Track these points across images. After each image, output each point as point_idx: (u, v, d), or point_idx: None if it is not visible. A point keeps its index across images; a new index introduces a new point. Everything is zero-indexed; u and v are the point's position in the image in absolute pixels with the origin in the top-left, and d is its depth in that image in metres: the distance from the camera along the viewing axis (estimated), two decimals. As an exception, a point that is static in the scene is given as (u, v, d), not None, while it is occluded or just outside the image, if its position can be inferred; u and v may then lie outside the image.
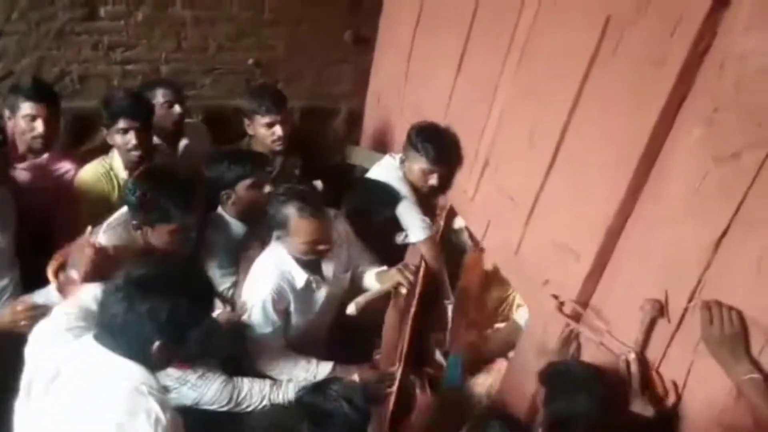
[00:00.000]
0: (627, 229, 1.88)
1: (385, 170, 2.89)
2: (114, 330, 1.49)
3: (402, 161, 2.87)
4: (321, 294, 2.42)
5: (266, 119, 2.81)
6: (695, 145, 1.64)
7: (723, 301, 1.56)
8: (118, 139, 2.50)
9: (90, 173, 2.58)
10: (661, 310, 1.75)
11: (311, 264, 2.35)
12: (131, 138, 2.47)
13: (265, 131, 2.83)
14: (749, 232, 1.52)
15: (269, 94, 2.91)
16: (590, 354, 2.01)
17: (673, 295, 1.72)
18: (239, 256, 2.53)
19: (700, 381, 1.66)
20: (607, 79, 1.89)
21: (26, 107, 2.47)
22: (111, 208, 2.36)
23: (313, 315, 2.44)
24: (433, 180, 2.78)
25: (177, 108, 2.91)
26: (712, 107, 1.58)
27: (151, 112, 2.61)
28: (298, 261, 2.30)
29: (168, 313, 1.47)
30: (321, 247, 2.27)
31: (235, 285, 2.50)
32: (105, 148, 2.64)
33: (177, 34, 3.32)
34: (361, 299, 2.43)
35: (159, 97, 2.86)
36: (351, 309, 2.40)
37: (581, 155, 2.01)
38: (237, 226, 2.56)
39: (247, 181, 2.45)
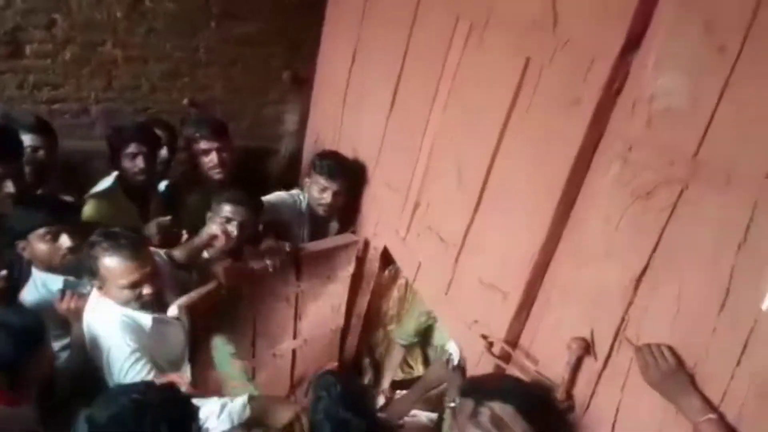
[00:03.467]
0: (552, 268, 1.88)
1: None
2: None
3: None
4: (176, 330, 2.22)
5: (203, 145, 2.81)
6: (613, 183, 1.66)
7: (647, 340, 1.56)
8: (126, 163, 2.62)
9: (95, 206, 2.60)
10: (587, 348, 1.74)
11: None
12: (139, 162, 2.62)
13: (203, 158, 2.83)
14: (668, 268, 1.53)
15: (208, 121, 2.94)
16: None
17: (598, 333, 1.72)
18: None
19: (629, 418, 1.64)
20: (528, 119, 1.91)
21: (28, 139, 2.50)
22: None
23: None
24: (327, 196, 2.83)
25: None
26: (627, 146, 1.61)
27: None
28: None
29: None
30: (145, 291, 2.04)
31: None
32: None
33: (107, 73, 3.24)
34: (183, 299, 2.25)
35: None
36: (173, 311, 2.22)
37: (506, 193, 2.02)
38: (52, 279, 2.24)
39: (41, 231, 2.15)
